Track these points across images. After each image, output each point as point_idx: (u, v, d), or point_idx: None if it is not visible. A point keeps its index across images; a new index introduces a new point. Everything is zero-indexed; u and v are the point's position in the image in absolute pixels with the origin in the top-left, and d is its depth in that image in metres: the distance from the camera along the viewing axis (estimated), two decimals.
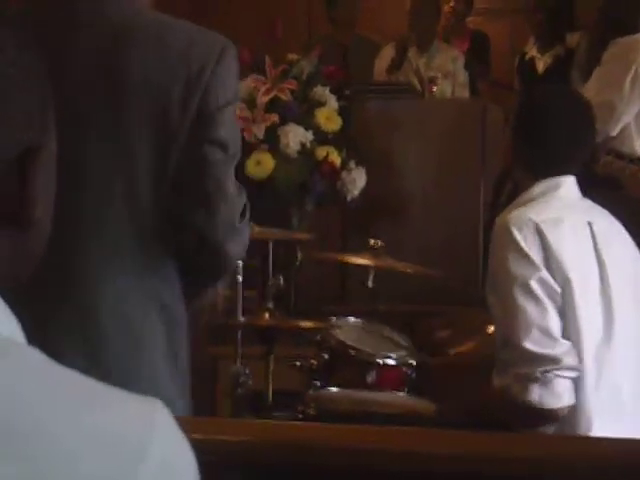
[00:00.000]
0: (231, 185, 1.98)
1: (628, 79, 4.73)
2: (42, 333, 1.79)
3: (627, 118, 4.74)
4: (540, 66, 5.97)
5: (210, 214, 1.96)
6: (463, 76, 6.03)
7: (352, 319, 3.59)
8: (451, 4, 6.99)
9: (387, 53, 6.02)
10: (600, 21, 5.05)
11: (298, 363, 3.41)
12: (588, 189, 2.85)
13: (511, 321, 2.57)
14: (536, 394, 2.53)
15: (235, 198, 2.00)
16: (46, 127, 0.94)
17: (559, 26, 5.91)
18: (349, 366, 3.33)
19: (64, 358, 0.87)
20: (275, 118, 4.48)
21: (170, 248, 1.99)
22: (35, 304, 1.69)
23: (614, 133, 4.71)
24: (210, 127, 1.93)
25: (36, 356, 0.86)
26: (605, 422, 2.58)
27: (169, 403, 0.87)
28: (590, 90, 4.83)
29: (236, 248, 2.03)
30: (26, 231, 0.93)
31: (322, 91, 4.58)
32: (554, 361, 2.53)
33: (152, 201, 1.93)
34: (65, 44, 1.93)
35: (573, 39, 5.88)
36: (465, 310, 3.90)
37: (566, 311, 2.58)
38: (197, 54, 1.94)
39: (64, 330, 1.89)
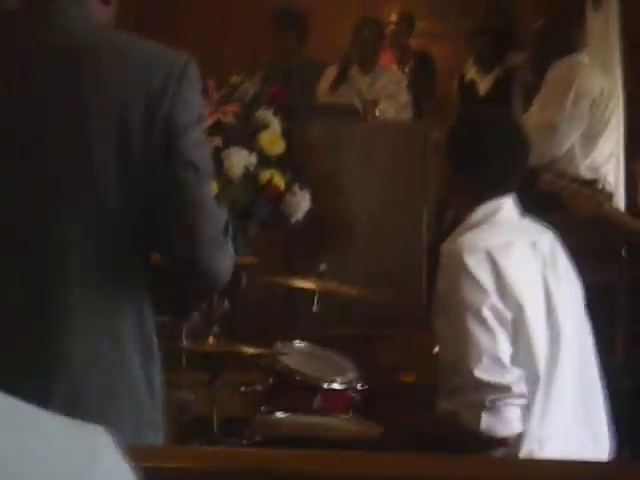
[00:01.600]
0: (209, 201, 1.95)
1: (569, 100, 4.78)
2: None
3: (572, 138, 4.78)
4: (481, 88, 6.02)
5: (194, 234, 1.93)
6: (405, 98, 6.06)
7: (297, 343, 3.58)
8: (392, 26, 7.07)
9: (331, 73, 6.04)
10: (540, 41, 5.10)
11: (243, 388, 3.39)
12: (530, 209, 2.85)
13: (462, 348, 2.56)
14: (485, 421, 2.53)
15: (216, 212, 1.97)
16: None
17: (502, 46, 5.97)
18: (295, 391, 3.32)
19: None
20: (218, 141, 4.46)
21: (140, 274, 1.96)
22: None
23: (560, 153, 4.76)
24: (179, 147, 1.89)
25: None
26: (554, 441, 2.60)
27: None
28: (533, 111, 4.88)
29: (224, 263, 1.99)
30: None
31: (265, 114, 4.57)
32: (504, 389, 2.53)
33: (124, 231, 1.91)
34: (21, 62, 1.89)
35: (515, 58, 5.93)
36: (410, 333, 3.90)
37: (518, 336, 2.58)
38: (158, 71, 1.90)
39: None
